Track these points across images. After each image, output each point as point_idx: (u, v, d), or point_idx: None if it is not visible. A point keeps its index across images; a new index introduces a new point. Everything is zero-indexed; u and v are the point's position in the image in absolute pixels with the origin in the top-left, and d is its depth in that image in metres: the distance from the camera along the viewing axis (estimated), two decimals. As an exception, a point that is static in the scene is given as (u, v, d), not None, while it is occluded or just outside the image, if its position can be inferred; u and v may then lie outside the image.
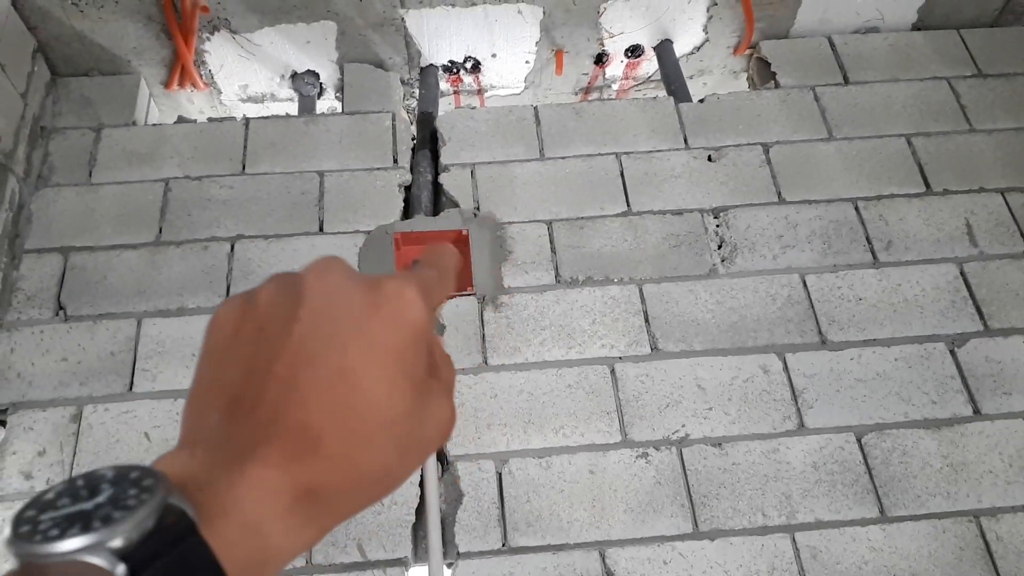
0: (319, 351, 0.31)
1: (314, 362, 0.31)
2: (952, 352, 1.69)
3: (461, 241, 1.82)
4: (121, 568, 0.26)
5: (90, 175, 1.88)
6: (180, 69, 2.08)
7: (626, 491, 1.53)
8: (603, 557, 1.46)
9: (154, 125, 1.99)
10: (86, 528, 0.26)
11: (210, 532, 0.28)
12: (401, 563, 1.45)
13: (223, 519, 0.29)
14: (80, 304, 1.70)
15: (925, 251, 1.82)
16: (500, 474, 1.54)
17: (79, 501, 0.27)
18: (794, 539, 1.49)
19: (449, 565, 1.47)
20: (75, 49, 2.01)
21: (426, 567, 1.46)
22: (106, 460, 1.53)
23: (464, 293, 1.74)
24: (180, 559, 0.27)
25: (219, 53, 2.09)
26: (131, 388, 1.61)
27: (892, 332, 1.71)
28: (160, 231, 1.81)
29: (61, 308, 1.70)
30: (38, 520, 0.27)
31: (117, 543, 0.26)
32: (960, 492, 1.54)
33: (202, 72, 2.13)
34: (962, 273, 1.79)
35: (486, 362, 1.66)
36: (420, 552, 1.50)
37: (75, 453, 1.54)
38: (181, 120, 2.02)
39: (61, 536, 0.26)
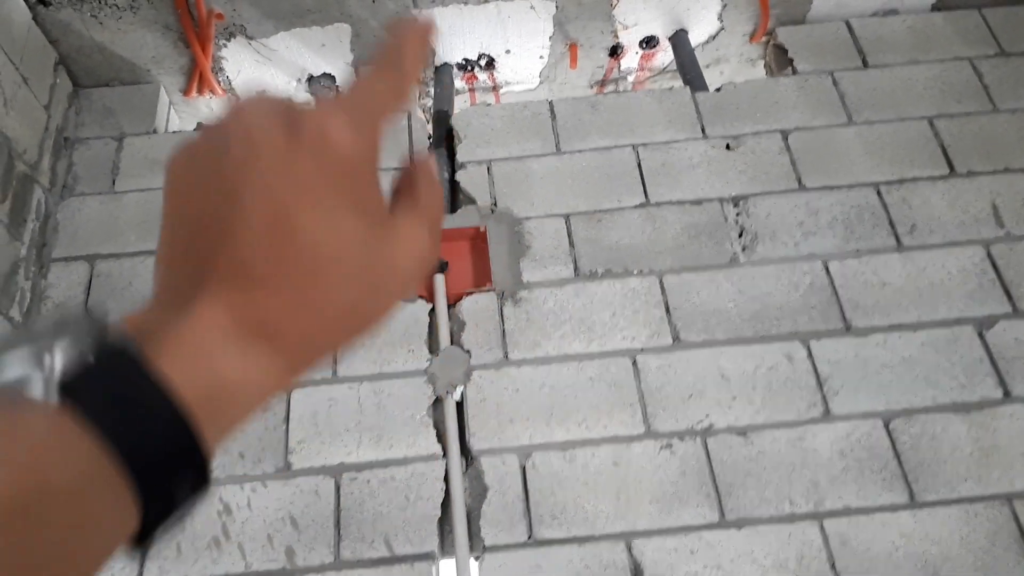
0: (249, 201, 0.30)
1: (246, 213, 0.30)
2: (980, 335, 1.67)
3: (479, 238, 1.82)
4: (55, 395, 0.26)
5: (113, 183, 1.91)
6: (198, 76, 2.10)
7: (651, 482, 1.52)
8: (629, 548, 1.46)
9: (174, 132, 2.02)
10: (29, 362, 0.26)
11: (159, 363, 0.28)
12: (428, 557, 1.46)
13: (171, 353, 0.28)
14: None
15: (950, 234, 1.79)
16: (524, 467, 1.54)
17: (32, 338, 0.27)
18: (822, 526, 1.48)
19: (476, 558, 1.47)
20: (96, 60, 2.04)
21: (453, 561, 1.46)
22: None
23: (483, 289, 1.74)
24: (123, 384, 0.27)
25: (236, 59, 2.11)
26: (158, 391, 1.63)
27: (918, 316, 1.69)
28: (183, 236, 1.82)
29: (88, 314, 1.73)
30: None
31: (57, 375, 0.26)
32: (992, 476, 1.52)
33: (220, 79, 2.15)
34: (989, 255, 1.76)
35: (507, 357, 1.66)
36: (447, 546, 1.50)
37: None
38: (201, 127, 2.05)
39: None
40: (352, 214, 0.32)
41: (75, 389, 0.26)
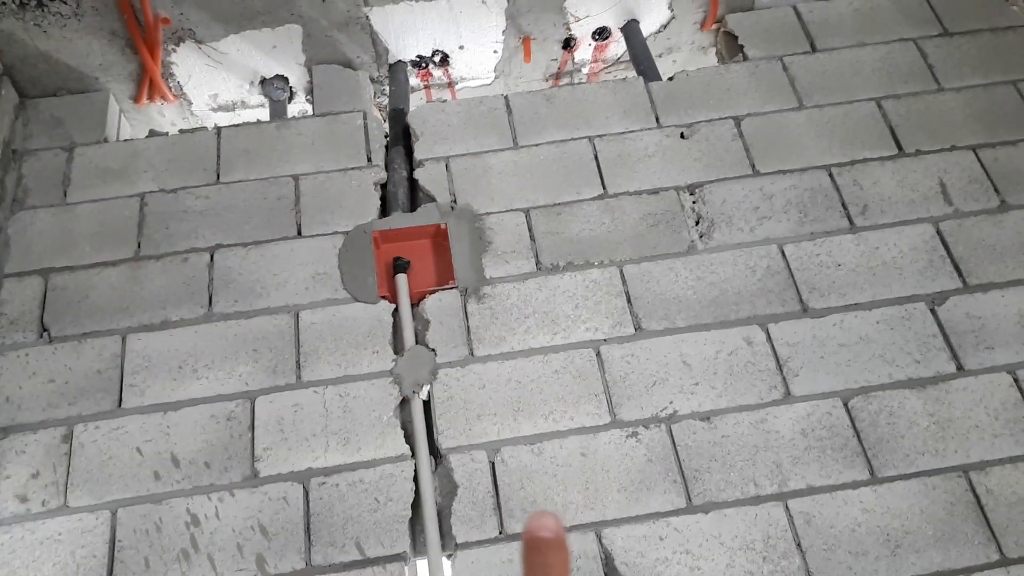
0: None
1: None
2: (933, 311, 1.71)
3: (440, 236, 1.82)
4: None
5: (65, 195, 1.88)
6: (148, 83, 2.07)
7: (618, 471, 1.54)
8: (599, 537, 1.48)
9: (126, 140, 1.99)
10: None
11: None
12: (400, 558, 1.46)
13: None
14: (64, 324, 1.70)
15: (901, 213, 1.83)
16: (493, 463, 1.55)
17: None
18: (787, 507, 1.51)
19: (448, 557, 1.48)
20: (41, 70, 2.00)
21: (426, 560, 1.47)
22: (100, 478, 1.54)
23: (446, 286, 1.74)
24: None
25: (186, 64, 2.08)
26: (120, 404, 1.62)
27: (872, 295, 1.72)
28: (139, 246, 1.81)
29: (45, 330, 1.70)
30: None
31: None
32: (948, 449, 1.56)
33: (171, 84, 2.12)
34: (939, 232, 1.80)
35: (472, 354, 1.66)
36: (419, 546, 1.51)
37: (68, 472, 1.54)
38: (153, 134, 2.02)
39: None
40: None
41: None
